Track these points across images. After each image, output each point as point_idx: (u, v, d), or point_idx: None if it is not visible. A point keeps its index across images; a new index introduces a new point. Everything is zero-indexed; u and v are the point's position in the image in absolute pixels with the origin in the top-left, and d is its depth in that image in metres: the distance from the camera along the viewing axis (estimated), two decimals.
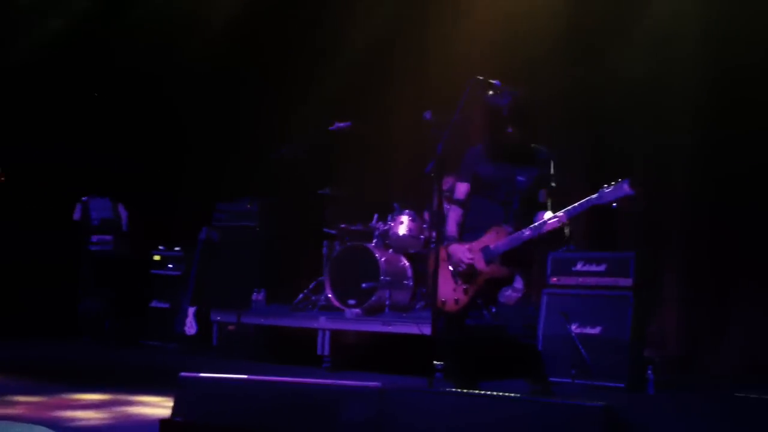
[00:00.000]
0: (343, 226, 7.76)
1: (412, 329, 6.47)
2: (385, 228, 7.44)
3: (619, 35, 7.50)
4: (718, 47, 7.14)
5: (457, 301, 4.43)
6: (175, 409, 3.38)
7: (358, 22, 8.90)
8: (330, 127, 7.68)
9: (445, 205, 5.79)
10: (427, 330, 4.31)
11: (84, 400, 4.96)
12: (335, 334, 7.12)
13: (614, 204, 4.18)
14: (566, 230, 4.33)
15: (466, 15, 8.58)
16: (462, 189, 4.60)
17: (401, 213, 7.41)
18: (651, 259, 7.10)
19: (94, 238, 8.90)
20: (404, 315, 7.02)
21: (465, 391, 4.19)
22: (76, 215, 8.89)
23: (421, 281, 7.32)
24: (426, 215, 7.51)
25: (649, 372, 5.90)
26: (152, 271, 8.78)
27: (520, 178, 4.43)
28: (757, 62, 6.91)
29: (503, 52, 8.10)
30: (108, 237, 9.00)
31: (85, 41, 9.36)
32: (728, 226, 7.10)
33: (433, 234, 6.92)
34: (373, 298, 7.03)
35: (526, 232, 4.31)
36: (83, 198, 9.06)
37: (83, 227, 8.91)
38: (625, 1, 7.51)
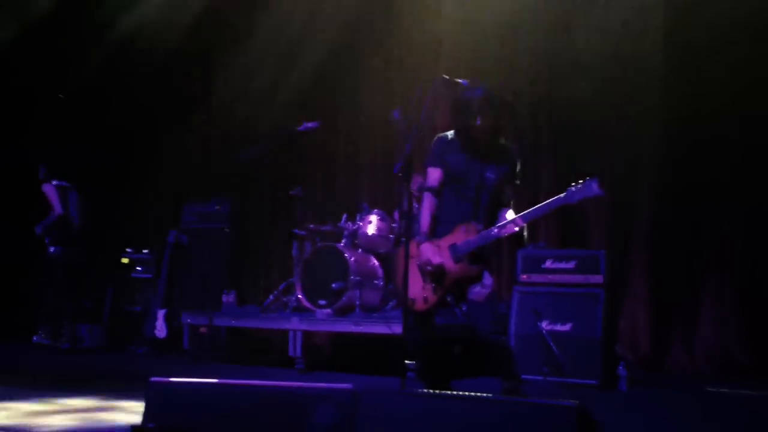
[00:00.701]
0: (312, 226, 7.73)
1: (383, 329, 6.46)
2: (354, 228, 7.42)
3: (585, 30, 7.56)
4: (683, 46, 7.21)
5: (425, 300, 4.40)
6: (146, 415, 3.34)
7: (325, 21, 8.88)
8: (298, 128, 7.63)
9: (414, 204, 5.78)
10: (398, 329, 4.28)
11: (54, 406, 4.89)
12: (307, 335, 7.09)
13: (581, 204, 4.18)
14: (524, 234, 4.32)
15: (434, 13, 8.60)
16: (435, 175, 4.50)
17: (370, 213, 7.39)
18: (620, 256, 7.18)
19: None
20: (375, 315, 7.00)
21: (436, 392, 4.18)
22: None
23: (391, 281, 7.30)
24: (396, 214, 7.50)
25: (621, 369, 5.94)
26: (119, 274, 8.70)
27: (489, 174, 4.39)
28: (721, 62, 7.00)
29: (470, 49, 8.12)
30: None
31: (50, 37, 9.25)
32: (695, 223, 7.18)
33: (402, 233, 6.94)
34: (343, 299, 7.01)
35: (494, 230, 4.27)
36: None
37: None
38: None
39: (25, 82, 9.33)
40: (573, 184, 4.16)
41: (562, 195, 4.18)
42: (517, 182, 4.50)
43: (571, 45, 7.65)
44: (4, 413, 4.58)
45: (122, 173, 9.98)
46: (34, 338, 8.23)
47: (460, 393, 3.97)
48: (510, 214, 4.33)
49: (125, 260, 8.69)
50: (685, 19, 7.20)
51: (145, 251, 8.67)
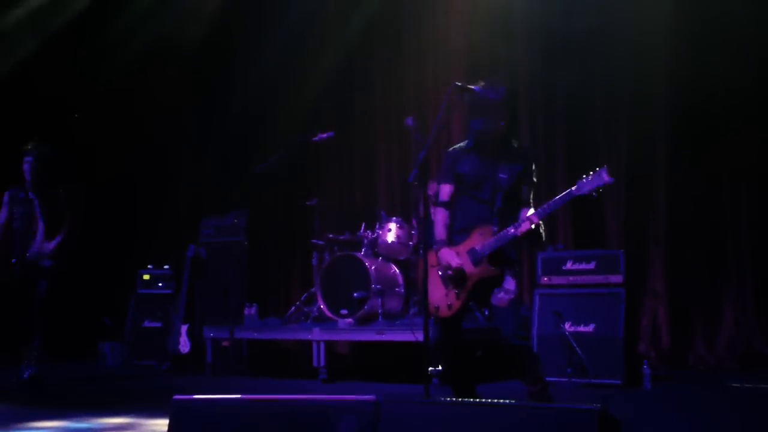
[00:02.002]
0: (331, 236, 7.74)
1: (406, 336, 6.45)
2: (374, 236, 7.42)
3: (594, 33, 7.53)
4: (692, 47, 7.17)
5: (450, 307, 4.40)
6: None
7: (337, 31, 8.92)
8: (313, 138, 7.65)
9: (432, 210, 5.77)
10: (421, 337, 4.29)
11: (84, 424, 4.92)
12: (330, 345, 7.09)
13: (594, 194, 4.17)
14: (542, 230, 4.31)
15: (447, 20, 8.61)
16: (446, 190, 4.56)
17: (389, 220, 7.40)
18: (638, 253, 7.15)
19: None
20: (397, 322, 7.00)
21: (459, 399, 4.17)
22: None
23: (413, 288, 7.30)
24: (414, 221, 7.50)
25: (645, 367, 5.91)
26: (140, 290, 8.75)
27: (502, 175, 4.40)
28: (736, 43, 6.93)
29: (482, 54, 8.12)
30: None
31: (63, 48, 9.32)
32: (713, 216, 7.14)
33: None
34: (365, 308, 7.01)
35: (511, 230, 4.28)
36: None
37: None
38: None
39: (40, 92, 9.36)
40: (584, 176, 4.16)
41: (573, 188, 4.18)
42: (534, 180, 4.50)
43: (582, 37, 7.61)
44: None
45: (140, 187, 10.05)
46: None
47: (482, 400, 3.97)
48: (531, 213, 4.33)
49: (146, 276, 8.74)
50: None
51: (165, 267, 8.71)
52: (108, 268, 9.56)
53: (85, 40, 9.40)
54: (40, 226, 7.07)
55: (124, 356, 8.67)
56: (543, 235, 4.32)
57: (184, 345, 7.91)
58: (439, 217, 4.56)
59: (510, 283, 4.35)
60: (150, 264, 8.81)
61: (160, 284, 8.67)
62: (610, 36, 7.45)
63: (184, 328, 7.96)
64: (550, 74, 7.85)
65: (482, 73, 7.14)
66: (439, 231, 4.53)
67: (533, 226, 4.22)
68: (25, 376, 6.83)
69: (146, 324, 8.59)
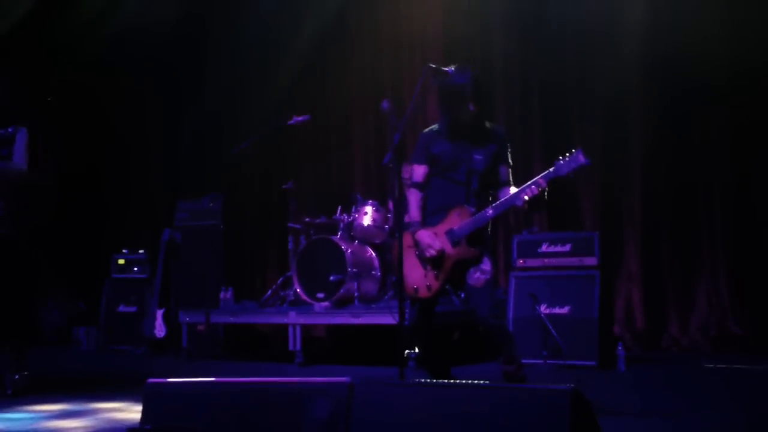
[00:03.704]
0: (307, 219, 7.71)
1: (382, 320, 6.45)
2: (350, 219, 7.41)
3: (569, 17, 7.54)
4: (671, 11, 7.18)
5: (429, 288, 4.42)
6: (143, 416, 3.32)
7: (311, 14, 8.85)
8: (289, 122, 7.61)
9: (406, 192, 5.77)
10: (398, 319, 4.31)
11: (52, 409, 4.89)
12: (306, 329, 7.08)
13: (571, 175, 4.20)
14: (545, 195, 4.33)
15: (419, 5, 8.58)
16: (420, 171, 4.57)
17: (364, 204, 7.38)
18: (613, 235, 7.19)
19: None
20: (373, 306, 7.00)
21: (433, 381, 4.18)
22: None
23: (389, 271, 7.30)
24: (390, 204, 7.49)
25: (620, 349, 5.96)
26: (114, 275, 8.69)
27: (477, 156, 4.41)
28: (715, 26, 6.96)
29: (458, 39, 8.11)
30: None
31: (38, 31, 9.19)
32: (686, 198, 7.20)
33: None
34: (341, 291, 7.00)
35: (489, 211, 4.31)
36: None
37: None
38: None
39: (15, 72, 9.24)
40: (560, 157, 4.19)
41: (551, 169, 4.20)
42: (510, 162, 4.51)
43: (559, 16, 7.61)
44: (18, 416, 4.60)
45: (113, 172, 9.97)
46: None
47: (455, 381, 3.99)
48: (513, 191, 4.35)
49: (121, 261, 8.67)
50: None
51: (140, 251, 8.64)
52: (81, 252, 9.48)
53: (54, 23, 9.28)
54: None
55: (99, 341, 8.61)
56: (546, 199, 4.33)
57: (160, 329, 7.87)
58: (413, 198, 4.57)
59: (486, 264, 4.38)
60: (125, 248, 8.74)
61: (135, 269, 8.61)
62: (584, 21, 7.46)
63: (159, 313, 7.91)
64: (525, 59, 7.88)
65: (457, 59, 7.14)
66: (414, 212, 4.55)
67: (539, 189, 4.23)
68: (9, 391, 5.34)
69: (121, 309, 8.54)
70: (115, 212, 9.81)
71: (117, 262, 8.70)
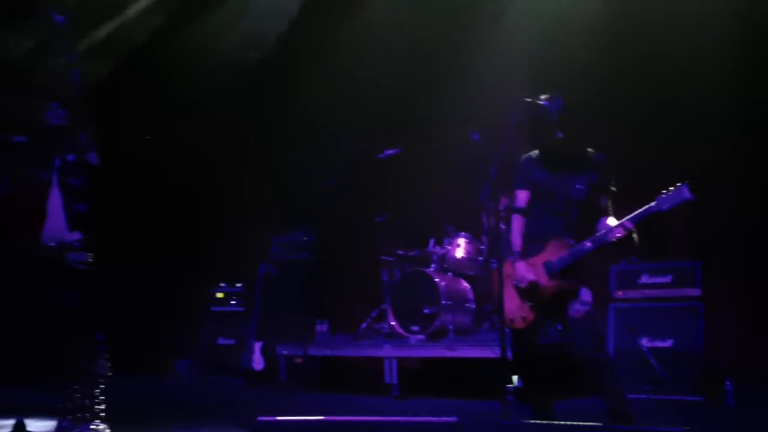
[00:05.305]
0: (400, 252, 7.76)
1: (478, 352, 6.41)
2: (443, 252, 7.42)
3: (660, 35, 7.42)
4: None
5: (524, 319, 4.39)
6: None
7: (399, 47, 8.94)
8: (379, 155, 7.69)
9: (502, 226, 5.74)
10: (499, 353, 4.27)
11: None
12: (400, 360, 7.09)
13: (672, 210, 4.10)
14: (634, 237, 4.24)
15: (507, 33, 8.57)
16: (522, 197, 4.53)
17: (457, 236, 7.39)
18: (712, 263, 6.97)
19: None
20: (468, 338, 6.97)
21: (541, 422, 4.12)
22: None
23: (483, 303, 7.26)
24: (483, 237, 7.46)
25: (728, 383, 5.76)
26: (213, 308, 8.87)
27: (578, 186, 4.36)
28: None
29: (545, 62, 8.06)
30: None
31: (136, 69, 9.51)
32: None
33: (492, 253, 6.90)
34: (435, 323, 7.00)
35: (588, 244, 4.23)
36: None
37: None
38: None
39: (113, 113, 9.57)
40: (663, 191, 4.07)
41: (652, 204, 4.10)
42: (613, 189, 4.44)
43: (649, 41, 7.50)
44: None
45: (209, 207, 10.21)
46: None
47: (566, 423, 3.91)
48: (611, 221, 4.27)
49: (219, 294, 8.86)
50: None
51: (237, 285, 8.82)
52: (180, 285, 9.72)
53: (154, 57, 9.59)
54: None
55: (199, 373, 8.79)
56: (636, 241, 4.25)
57: (258, 362, 7.99)
58: (515, 225, 4.53)
59: (586, 295, 4.31)
60: (222, 282, 8.93)
61: (233, 302, 8.79)
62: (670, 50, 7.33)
63: (257, 346, 8.05)
64: (611, 80, 7.76)
65: (545, 86, 7.11)
66: (516, 240, 4.51)
67: (625, 231, 4.15)
68: None
69: (220, 341, 8.71)
70: (213, 246, 10.03)
71: (215, 295, 8.89)
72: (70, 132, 5.34)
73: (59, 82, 5.40)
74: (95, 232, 5.44)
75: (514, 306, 4.40)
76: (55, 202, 5.23)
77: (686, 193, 4.02)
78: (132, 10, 9.27)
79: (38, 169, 5.43)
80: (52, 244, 5.31)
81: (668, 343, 6.05)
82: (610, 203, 4.44)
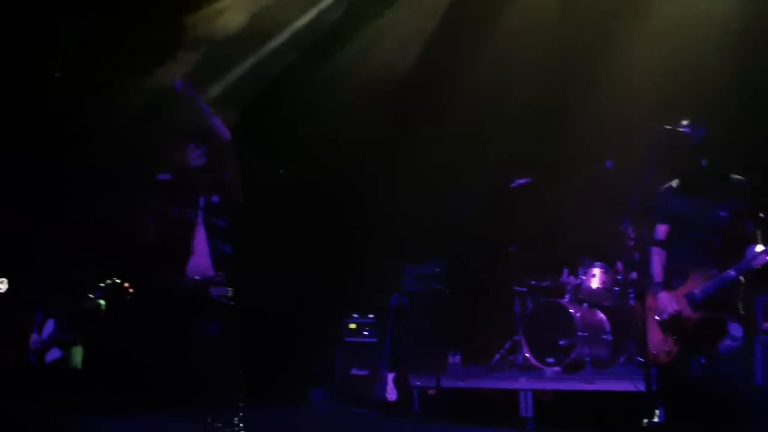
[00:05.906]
0: (533, 282, 7.69)
1: (618, 386, 6.23)
2: (577, 282, 7.30)
3: None
4: None
5: (668, 353, 4.27)
6: None
7: (527, 76, 8.91)
8: (511, 185, 7.67)
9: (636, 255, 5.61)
10: (641, 386, 4.16)
11: None
12: (536, 394, 6.99)
13: None
14: None
15: (640, 59, 8.40)
16: (662, 229, 4.47)
17: (592, 266, 7.25)
18: None
19: None
20: (606, 371, 6.80)
21: None
22: None
23: (620, 335, 7.07)
24: (619, 266, 7.29)
25: None
26: (347, 338, 9.00)
27: (722, 213, 4.23)
28: None
29: (679, 87, 7.84)
30: None
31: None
32: None
33: (630, 284, 6.74)
34: (572, 355, 6.88)
35: (732, 272, 4.09)
36: None
37: None
38: None
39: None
40: None
41: None
42: (761, 215, 4.27)
43: None
44: None
45: (340, 239, 10.38)
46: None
47: None
48: (759, 249, 4.11)
49: (352, 325, 8.99)
50: None
51: (370, 316, 8.93)
52: (314, 316, 9.91)
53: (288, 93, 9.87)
54: None
55: (334, 403, 8.92)
56: None
57: (391, 393, 8.05)
58: (656, 258, 4.47)
59: (737, 330, 4.16)
60: (355, 313, 9.07)
61: (366, 332, 8.89)
62: None
63: (390, 377, 8.11)
64: (759, 106, 7.46)
65: (681, 110, 6.91)
66: (657, 272, 4.43)
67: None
68: None
69: (353, 372, 8.82)
70: (346, 277, 10.19)
71: (348, 326, 9.03)
72: (212, 172, 5.63)
73: (197, 126, 5.71)
74: (237, 269, 5.70)
75: (656, 340, 4.30)
76: (200, 239, 5.51)
77: None
78: (267, 48, 9.59)
79: (183, 207, 5.74)
80: (197, 278, 5.60)
81: None
82: (758, 230, 4.27)
